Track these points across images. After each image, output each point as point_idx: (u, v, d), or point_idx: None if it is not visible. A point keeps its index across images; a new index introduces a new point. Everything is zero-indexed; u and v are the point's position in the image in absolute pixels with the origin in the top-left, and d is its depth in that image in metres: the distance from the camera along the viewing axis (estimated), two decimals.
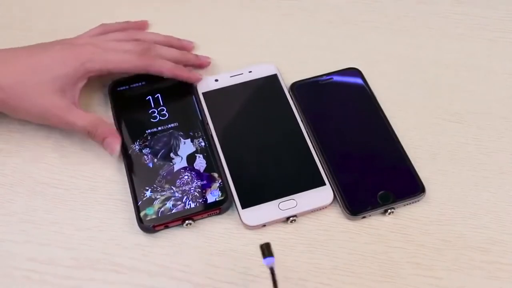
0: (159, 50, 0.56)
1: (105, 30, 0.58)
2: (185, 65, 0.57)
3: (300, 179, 0.51)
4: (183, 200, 0.49)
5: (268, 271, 0.47)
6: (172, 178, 0.51)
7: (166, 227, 0.49)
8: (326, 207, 0.50)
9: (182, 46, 0.60)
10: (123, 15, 0.65)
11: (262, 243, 0.42)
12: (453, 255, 0.48)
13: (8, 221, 0.50)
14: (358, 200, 0.50)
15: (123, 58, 0.54)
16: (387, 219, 0.50)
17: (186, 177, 0.51)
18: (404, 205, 0.50)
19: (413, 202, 0.50)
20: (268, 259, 0.42)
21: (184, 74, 0.56)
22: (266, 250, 0.42)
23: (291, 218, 0.49)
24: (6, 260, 0.48)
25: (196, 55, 0.59)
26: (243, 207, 0.49)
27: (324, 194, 0.50)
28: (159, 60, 0.55)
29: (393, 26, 0.63)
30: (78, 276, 0.47)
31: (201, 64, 0.59)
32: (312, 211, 0.50)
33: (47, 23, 0.64)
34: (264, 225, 0.49)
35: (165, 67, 0.55)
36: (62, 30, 0.63)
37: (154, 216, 0.49)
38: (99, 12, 0.65)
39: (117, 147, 0.52)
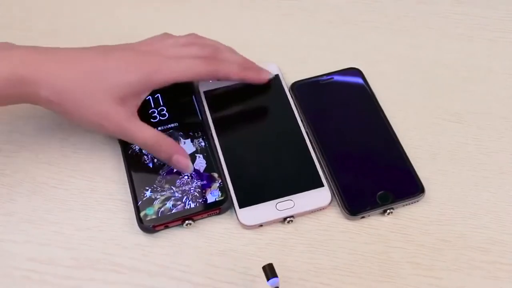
0: (223, 53, 0.54)
1: (167, 36, 0.55)
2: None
3: (298, 180, 0.51)
4: (183, 200, 0.49)
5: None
6: (172, 178, 0.51)
7: (166, 227, 0.49)
8: (324, 208, 0.50)
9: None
10: (123, 15, 0.65)
11: (264, 264, 0.43)
12: (453, 255, 0.48)
13: (8, 221, 0.50)
14: (357, 200, 0.50)
15: (189, 66, 0.51)
16: (386, 219, 0.50)
17: (186, 177, 0.51)
18: (404, 205, 0.50)
19: (412, 202, 0.50)
20: (272, 280, 0.43)
21: (252, 75, 0.54)
22: (270, 272, 0.43)
23: (288, 219, 0.49)
24: (6, 260, 0.48)
25: (259, 67, 0.56)
26: (241, 206, 0.49)
27: (322, 195, 0.50)
28: (224, 63, 0.52)
29: (393, 26, 0.63)
30: (78, 276, 0.48)
31: (259, 80, 0.55)
32: (309, 212, 0.50)
33: (47, 23, 0.64)
34: (261, 225, 0.49)
35: (232, 71, 0.53)
36: (62, 30, 0.64)
37: (154, 216, 0.49)
38: (99, 12, 0.65)
39: (189, 163, 0.50)
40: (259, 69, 0.55)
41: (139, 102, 0.51)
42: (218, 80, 0.55)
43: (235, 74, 0.53)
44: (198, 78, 0.53)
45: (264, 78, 0.55)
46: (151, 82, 0.50)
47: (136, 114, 0.50)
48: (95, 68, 0.49)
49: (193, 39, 0.55)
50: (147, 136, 0.49)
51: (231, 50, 0.56)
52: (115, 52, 0.50)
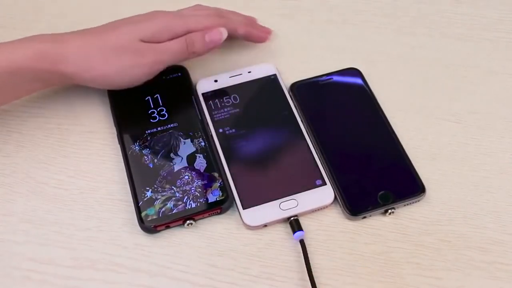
0: (230, 14, 0.58)
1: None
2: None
3: (300, 179, 0.51)
4: (184, 200, 0.49)
5: (268, 272, 0.48)
6: (173, 178, 0.51)
7: (167, 227, 0.49)
8: (327, 207, 0.50)
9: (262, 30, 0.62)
10: (124, 15, 0.65)
11: (291, 219, 0.49)
12: (453, 255, 0.48)
13: (8, 221, 0.50)
14: (358, 200, 0.50)
15: (201, 19, 0.55)
16: (387, 219, 0.50)
17: (186, 177, 0.51)
18: (404, 205, 0.50)
19: (413, 202, 0.50)
20: (298, 233, 0.48)
21: (257, 33, 0.59)
22: (296, 225, 0.49)
23: (292, 218, 0.49)
24: (6, 260, 0.48)
25: (261, 26, 0.61)
26: (244, 207, 0.49)
27: (325, 193, 0.50)
28: (231, 15, 0.58)
29: (393, 26, 0.63)
30: (78, 276, 0.47)
31: (264, 37, 0.60)
32: (313, 211, 0.50)
33: (47, 23, 0.64)
34: (265, 225, 0.49)
35: (240, 25, 0.57)
36: (62, 30, 0.63)
37: (155, 217, 0.49)
38: (99, 12, 0.65)
39: (220, 29, 0.54)
40: (262, 27, 0.60)
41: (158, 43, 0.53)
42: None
43: (241, 28, 0.57)
44: (209, 26, 0.55)
45: (265, 36, 0.60)
46: (168, 29, 0.53)
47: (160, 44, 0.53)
48: (116, 24, 0.53)
49: (198, 6, 0.59)
50: (178, 42, 0.53)
51: (234, 11, 0.60)
52: (133, 16, 0.55)
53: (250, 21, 0.61)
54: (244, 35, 0.58)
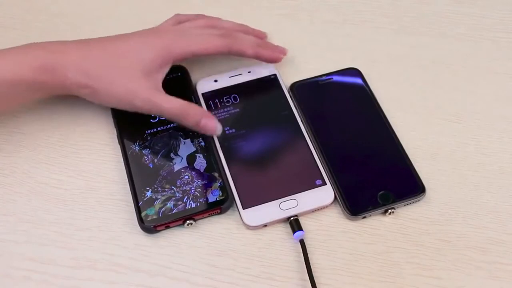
0: (237, 34, 0.56)
1: (180, 19, 0.58)
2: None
3: (300, 179, 0.51)
4: (184, 200, 0.49)
5: (268, 272, 0.48)
6: (173, 178, 0.51)
7: (167, 227, 0.49)
8: (327, 207, 0.50)
9: (255, 34, 0.59)
10: (124, 15, 0.65)
11: (291, 219, 0.49)
12: (453, 255, 0.48)
13: (8, 221, 0.50)
14: (358, 200, 0.50)
15: (206, 38, 0.54)
16: (387, 219, 0.50)
17: (186, 177, 0.51)
18: (404, 205, 0.50)
19: (413, 202, 0.50)
20: (298, 233, 0.48)
21: (267, 53, 0.56)
22: (295, 225, 0.48)
23: (292, 218, 0.49)
24: (6, 260, 0.48)
25: (274, 45, 0.58)
26: (244, 207, 0.49)
27: (325, 193, 0.50)
28: (240, 37, 0.55)
29: (393, 26, 0.63)
30: (78, 276, 0.47)
31: (276, 58, 0.57)
32: (313, 211, 0.50)
33: (47, 23, 0.64)
34: (265, 225, 0.49)
35: (249, 45, 0.54)
36: (62, 30, 0.64)
37: (155, 217, 0.49)
38: (100, 12, 0.65)
39: (217, 124, 0.52)
40: (274, 47, 0.57)
41: (162, 76, 0.53)
42: (232, 55, 0.55)
43: (249, 49, 0.55)
44: (214, 51, 0.54)
45: (278, 56, 0.56)
46: (170, 54, 0.52)
47: (161, 87, 0.52)
48: (118, 49, 0.51)
49: (209, 21, 0.57)
50: (173, 106, 0.51)
51: (246, 29, 0.58)
52: (134, 35, 0.53)
53: (260, 38, 0.59)
54: (253, 56, 0.56)
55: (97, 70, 0.50)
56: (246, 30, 0.59)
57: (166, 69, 0.53)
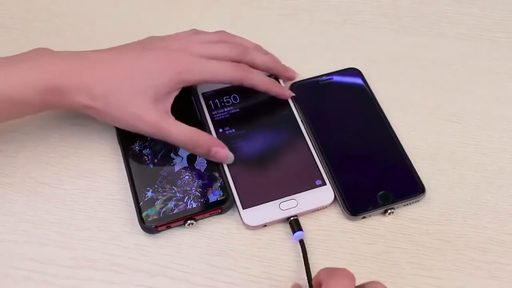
0: (252, 54, 0.54)
1: (196, 32, 0.56)
2: (273, 75, 0.57)
3: (300, 179, 0.51)
4: (185, 200, 0.49)
5: (268, 272, 0.48)
6: (173, 178, 0.51)
7: (168, 227, 0.49)
8: (326, 207, 0.50)
9: (267, 55, 0.58)
10: (124, 15, 0.65)
11: (291, 219, 0.49)
12: (453, 255, 0.48)
13: (8, 221, 0.50)
14: (358, 200, 0.50)
15: (219, 69, 0.52)
16: (387, 219, 0.50)
17: (187, 177, 0.51)
18: (404, 205, 0.50)
19: (413, 202, 0.50)
20: (297, 233, 0.48)
21: (277, 89, 0.54)
22: (295, 225, 0.48)
23: (291, 218, 0.49)
24: (6, 260, 0.48)
25: (285, 66, 0.57)
26: (244, 207, 0.49)
27: (324, 193, 0.50)
28: (253, 72, 0.53)
29: (393, 26, 0.63)
30: (78, 276, 0.47)
31: (289, 77, 0.57)
32: (312, 211, 0.50)
33: (47, 23, 0.64)
34: (265, 225, 0.49)
35: (259, 81, 0.53)
36: (62, 30, 0.64)
37: (156, 217, 0.49)
38: (100, 11, 0.65)
39: (228, 153, 0.51)
40: (283, 87, 0.56)
41: (171, 100, 0.51)
42: (244, 86, 0.54)
43: (260, 84, 0.53)
44: (225, 81, 0.53)
45: (288, 94, 0.55)
46: (181, 81, 0.51)
47: (170, 112, 0.51)
48: (128, 70, 0.50)
49: (222, 37, 0.56)
50: (182, 133, 0.50)
51: (259, 50, 0.57)
52: (147, 53, 0.51)
53: (273, 66, 0.56)
54: (264, 92, 0.54)
55: (106, 94, 0.49)
56: (258, 48, 0.57)
57: (175, 94, 0.51)
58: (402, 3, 0.65)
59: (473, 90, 0.58)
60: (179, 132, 0.50)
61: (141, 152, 0.52)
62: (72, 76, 0.48)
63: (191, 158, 0.52)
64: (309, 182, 0.51)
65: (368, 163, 0.52)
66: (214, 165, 0.52)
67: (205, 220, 0.50)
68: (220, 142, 0.51)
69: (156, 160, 0.52)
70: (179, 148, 0.52)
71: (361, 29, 0.63)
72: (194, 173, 0.51)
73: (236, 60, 0.53)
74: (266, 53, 0.58)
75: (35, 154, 0.54)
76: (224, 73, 0.52)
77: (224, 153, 0.51)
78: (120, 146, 0.53)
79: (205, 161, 0.52)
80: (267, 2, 0.66)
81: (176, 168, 0.51)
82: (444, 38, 0.62)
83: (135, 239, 0.49)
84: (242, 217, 0.49)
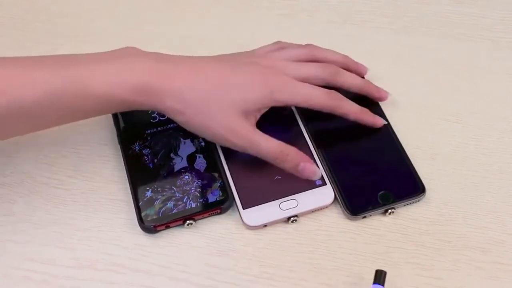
0: (344, 76, 0.53)
1: (282, 46, 0.55)
2: (364, 94, 0.55)
3: (300, 179, 0.51)
4: (184, 200, 0.49)
5: (268, 272, 0.48)
6: (173, 178, 0.51)
7: (167, 227, 0.49)
8: (327, 207, 0.50)
9: (358, 70, 0.57)
10: (124, 16, 0.65)
11: (381, 270, 0.44)
12: (453, 255, 0.48)
13: (8, 221, 0.50)
14: (358, 200, 0.50)
15: (313, 95, 0.51)
16: (387, 219, 0.50)
17: (186, 177, 0.51)
18: (404, 205, 0.50)
19: (413, 202, 0.50)
20: (375, 286, 0.44)
21: (369, 119, 0.53)
22: (381, 279, 0.44)
23: (292, 218, 0.49)
24: (6, 260, 0.48)
25: (377, 88, 0.56)
26: (244, 207, 0.49)
27: (325, 193, 0.50)
28: (345, 102, 0.52)
29: (393, 26, 0.63)
30: (78, 276, 0.47)
31: (380, 98, 0.56)
32: (313, 211, 0.50)
33: (47, 23, 0.64)
34: (265, 225, 0.49)
35: (351, 111, 0.52)
36: (62, 30, 0.64)
37: (155, 217, 0.49)
38: (100, 12, 0.65)
39: (317, 169, 0.49)
40: (375, 116, 0.54)
41: (258, 116, 0.50)
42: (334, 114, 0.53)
43: (352, 114, 0.52)
44: (315, 108, 0.52)
45: (380, 124, 0.54)
46: (272, 100, 0.50)
47: (255, 126, 0.50)
48: (223, 81, 0.49)
49: (312, 52, 0.55)
50: (271, 146, 0.49)
51: (345, 68, 0.55)
52: (242, 67, 0.50)
53: (361, 73, 0.56)
54: (355, 121, 0.53)
55: (197, 102, 0.47)
56: (347, 64, 0.56)
57: (263, 111, 0.51)
58: (402, 3, 0.65)
59: (473, 90, 0.58)
60: (270, 145, 0.49)
61: (141, 152, 0.52)
62: (165, 78, 0.47)
63: (191, 158, 0.52)
64: (309, 182, 0.51)
65: (368, 163, 0.52)
66: (214, 166, 0.52)
67: (205, 220, 0.50)
68: (308, 157, 0.50)
69: (156, 160, 0.52)
70: (179, 148, 0.53)
71: (361, 29, 0.63)
72: (193, 173, 0.51)
73: (328, 81, 0.53)
74: (355, 65, 0.56)
75: (35, 154, 0.54)
76: (317, 100, 0.51)
77: (312, 169, 0.49)
78: (120, 146, 0.53)
79: (205, 161, 0.52)
80: (267, 2, 0.66)
81: (176, 168, 0.51)
82: (444, 38, 0.62)
83: (135, 239, 0.49)
84: (242, 217, 0.49)
